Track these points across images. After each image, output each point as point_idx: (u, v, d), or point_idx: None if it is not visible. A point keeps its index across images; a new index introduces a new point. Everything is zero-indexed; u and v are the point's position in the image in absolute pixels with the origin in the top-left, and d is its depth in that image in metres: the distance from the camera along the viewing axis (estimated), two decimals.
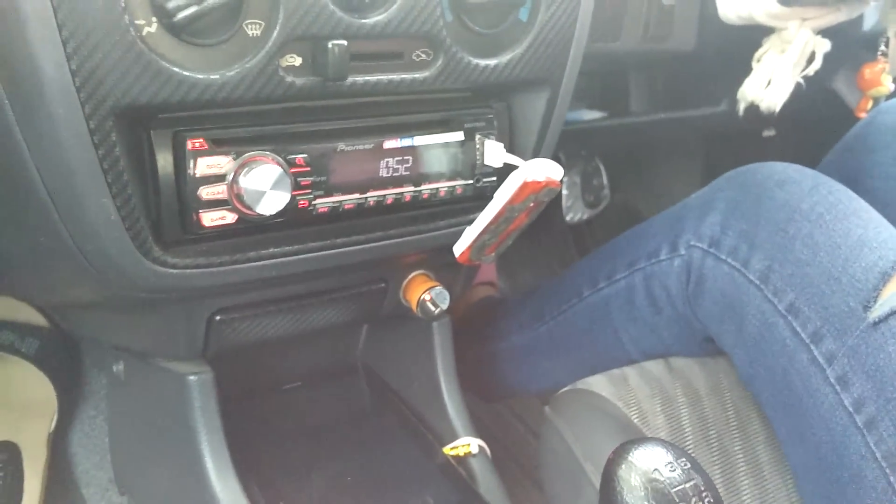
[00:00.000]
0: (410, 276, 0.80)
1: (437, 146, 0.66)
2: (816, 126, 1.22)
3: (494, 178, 0.69)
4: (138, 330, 0.75)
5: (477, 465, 0.82)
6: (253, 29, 0.54)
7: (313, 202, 0.61)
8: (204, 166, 0.55)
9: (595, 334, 0.91)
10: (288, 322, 0.76)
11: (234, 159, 0.56)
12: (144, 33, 0.50)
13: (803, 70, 0.82)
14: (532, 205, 0.65)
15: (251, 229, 0.60)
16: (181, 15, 0.50)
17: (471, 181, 0.69)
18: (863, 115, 1.01)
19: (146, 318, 0.71)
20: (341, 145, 0.61)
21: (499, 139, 0.68)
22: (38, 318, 1.02)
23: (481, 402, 1.20)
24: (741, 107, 0.86)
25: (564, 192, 1.42)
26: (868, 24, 0.99)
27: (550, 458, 0.82)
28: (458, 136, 0.67)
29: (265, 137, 0.58)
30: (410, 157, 0.65)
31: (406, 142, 0.64)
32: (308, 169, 0.59)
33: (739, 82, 0.85)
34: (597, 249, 0.95)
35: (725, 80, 0.92)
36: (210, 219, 0.57)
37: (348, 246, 0.65)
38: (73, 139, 0.50)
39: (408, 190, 0.65)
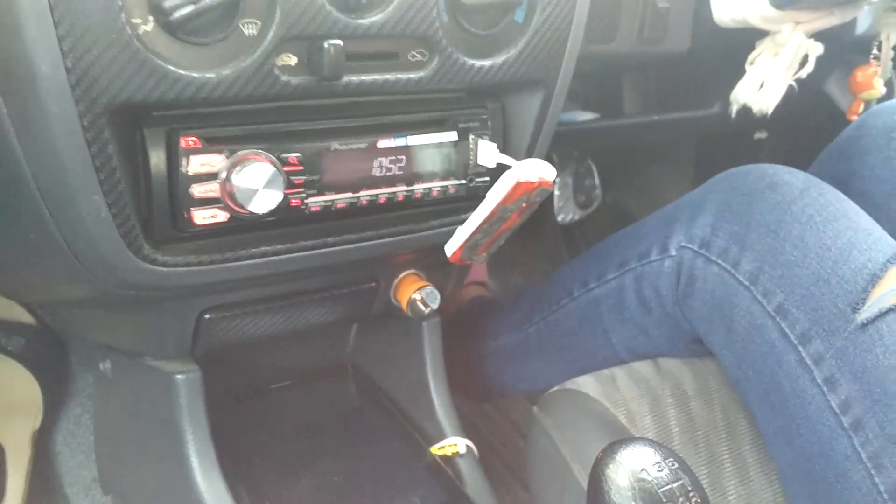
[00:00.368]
0: (401, 276, 0.80)
1: (430, 146, 0.66)
2: (808, 128, 1.23)
3: (487, 178, 0.69)
4: (126, 328, 0.74)
5: (464, 465, 0.82)
6: (249, 28, 0.54)
7: (306, 201, 0.60)
8: (197, 164, 0.55)
9: (585, 335, 0.91)
10: (277, 321, 0.76)
11: (227, 157, 0.56)
12: (140, 32, 0.50)
13: (796, 73, 0.82)
14: (524, 205, 0.65)
15: (243, 228, 0.60)
16: (177, 14, 0.49)
17: (464, 181, 0.69)
18: (854, 117, 1.02)
19: (135, 315, 0.71)
20: (335, 144, 0.61)
21: (492, 139, 0.68)
22: (24, 316, 1.02)
23: (470, 401, 1.20)
24: (734, 109, 0.86)
25: (556, 192, 1.43)
26: (861, 27, 1.00)
27: (538, 459, 0.82)
28: (452, 136, 0.67)
29: (258, 136, 0.58)
30: (404, 157, 0.65)
31: (400, 141, 0.64)
32: (301, 168, 0.59)
33: (733, 85, 0.86)
34: (588, 250, 0.95)
35: (719, 82, 0.93)
36: (202, 217, 0.57)
37: (340, 245, 0.65)
38: (65, 136, 0.50)
39: (401, 189, 0.65)
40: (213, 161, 0.56)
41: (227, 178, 0.56)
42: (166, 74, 0.51)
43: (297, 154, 0.59)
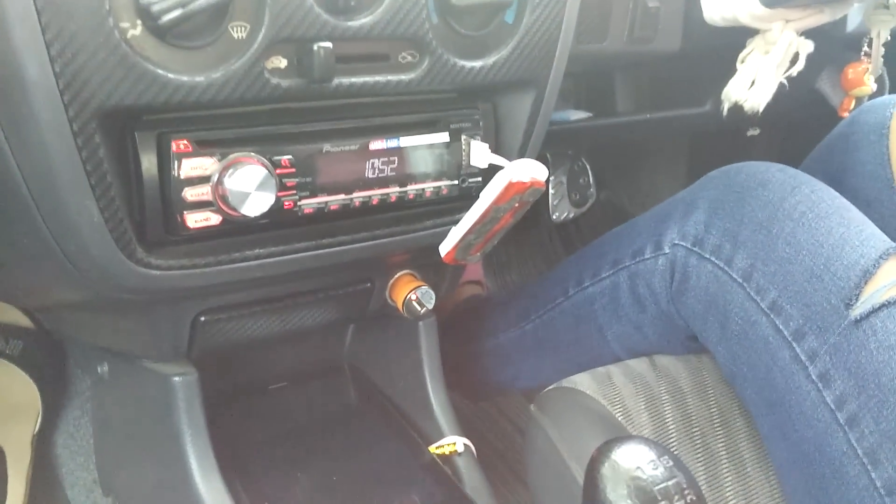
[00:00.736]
0: (396, 276, 0.81)
1: (422, 147, 0.66)
2: (800, 125, 1.23)
3: (480, 179, 0.69)
4: (122, 331, 0.74)
5: (462, 464, 0.83)
6: (238, 31, 0.54)
7: (298, 203, 0.61)
8: (188, 168, 0.55)
9: (580, 332, 0.91)
10: (273, 322, 0.76)
11: (219, 160, 0.56)
12: (129, 36, 0.50)
13: (787, 71, 0.82)
14: (517, 205, 0.65)
15: (236, 230, 0.60)
16: (166, 17, 0.49)
17: (456, 181, 0.69)
18: (846, 114, 1.02)
19: (130, 319, 0.71)
20: (327, 146, 0.61)
21: (484, 140, 0.69)
22: (22, 320, 1.02)
23: (467, 400, 1.21)
24: (725, 107, 0.86)
25: (551, 191, 1.43)
26: (851, 25, 1.00)
27: (536, 457, 0.82)
28: (444, 136, 0.67)
29: (250, 139, 0.58)
30: (396, 158, 0.65)
31: (392, 143, 0.64)
32: (293, 170, 0.59)
33: (724, 83, 0.86)
34: (582, 248, 0.95)
35: (710, 80, 0.93)
36: (194, 220, 0.57)
37: (334, 246, 0.66)
38: (56, 141, 0.50)
39: (393, 191, 0.66)
40: (204, 164, 0.56)
41: (220, 181, 0.56)
42: (155, 78, 0.51)
43: (289, 156, 0.59)
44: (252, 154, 0.57)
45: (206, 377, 0.75)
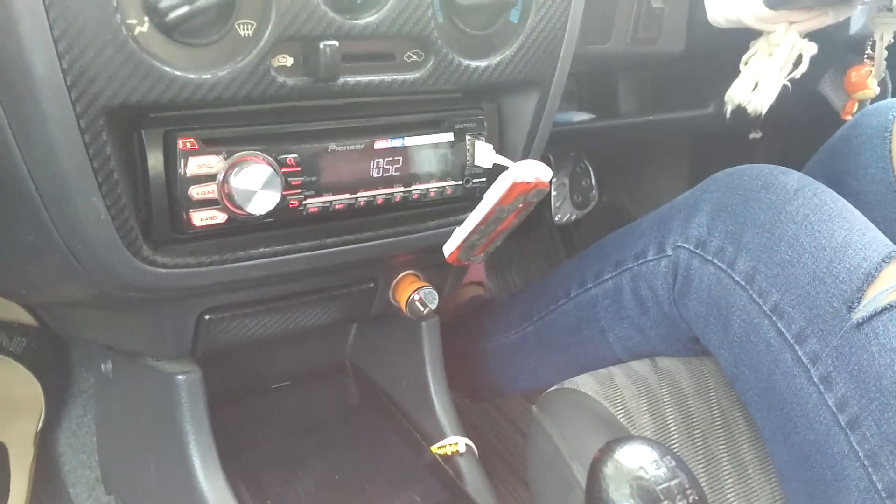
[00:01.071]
0: (400, 276, 0.81)
1: (427, 147, 0.66)
2: (803, 128, 1.23)
3: (484, 179, 0.69)
4: (127, 329, 0.75)
5: (464, 464, 0.83)
6: (245, 29, 0.54)
7: (304, 202, 0.61)
8: (194, 166, 0.56)
9: (582, 334, 0.91)
10: (277, 322, 0.76)
11: (225, 159, 0.56)
12: (136, 32, 0.50)
13: (790, 73, 0.83)
14: (521, 205, 0.65)
15: (241, 229, 0.60)
16: (173, 14, 0.50)
17: (461, 182, 0.69)
18: (848, 117, 1.02)
19: (135, 317, 0.71)
20: (332, 145, 0.61)
21: (489, 140, 0.69)
22: (25, 317, 1.02)
23: (469, 401, 1.21)
24: (728, 109, 0.86)
25: (553, 192, 1.43)
26: (854, 27, 1.00)
27: (537, 457, 0.82)
28: (449, 136, 0.67)
29: (256, 137, 0.58)
30: (401, 158, 0.65)
31: (397, 142, 0.64)
32: (298, 169, 0.60)
33: (727, 85, 0.86)
34: (585, 250, 0.95)
35: (713, 82, 0.93)
36: (200, 218, 0.57)
37: (338, 246, 0.66)
38: (63, 138, 0.50)
39: (398, 190, 0.66)
40: (210, 162, 0.56)
41: (225, 180, 0.56)
42: (162, 76, 0.51)
43: (295, 155, 0.59)
44: (258, 153, 0.57)
45: (209, 376, 0.75)
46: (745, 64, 0.85)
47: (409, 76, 0.62)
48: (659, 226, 0.82)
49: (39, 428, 0.99)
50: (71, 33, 0.48)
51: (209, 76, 0.53)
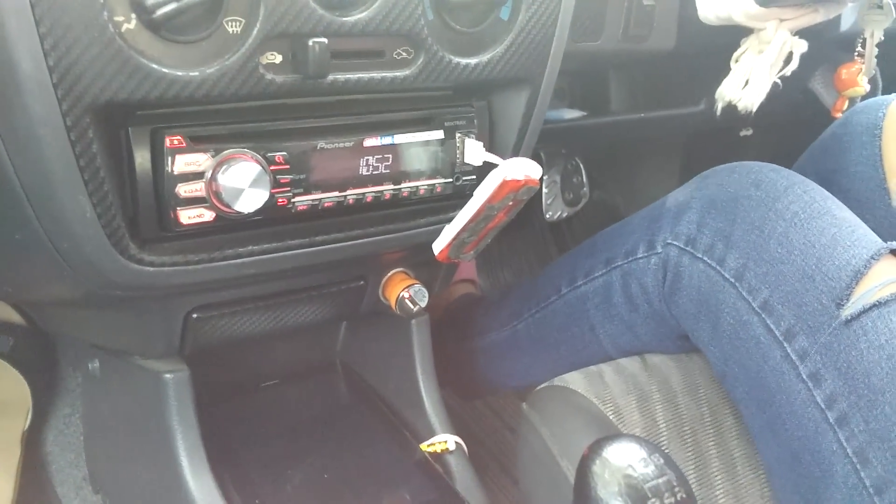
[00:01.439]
0: (389, 274, 0.80)
1: (417, 144, 0.66)
2: (794, 125, 1.24)
3: (474, 177, 0.69)
4: (114, 328, 0.74)
5: (454, 462, 0.83)
6: (233, 26, 0.54)
7: (292, 200, 0.60)
8: (182, 164, 0.55)
9: (573, 331, 0.91)
10: (266, 320, 0.76)
11: (213, 157, 0.56)
12: (123, 30, 0.50)
13: (780, 70, 0.82)
14: (511, 203, 0.65)
15: (229, 227, 0.60)
16: (160, 11, 0.49)
17: (450, 179, 0.69)
18: (839, 115, 1.02)
19: (122, 315, 0.71)
20: (321, 143, 0.61)
21: (479, 138, 0.69)
22: (13, 316, 1.01)
23: (460, 398, 1.21)
24: (719, 107, 0.86)
25: (544, 189, 1.43)
26: (845, 25, 1.00)
27: (527, 455, 0.82)
28: (439, 134, 0.67)
29: (244, 135, 0.58)
30: (391, 156, 0.65)
31: (386, 140, 0.64)
32: (287, 167, 0.59)
33: (718, 82, 0.86)
34: (575, 247, 0.95)
35: (704, 79, 0.93)
36: (188, 216, 0.57)
37: (327, 244, 0.65)
38: (49, 136, 0.50)
39: (387, 188, 0.65)
40: (198, 160, 0.56)
41: (213, 178, 0.56)
42: (150, 73, 0.51)
43: (284, 153, 0.59)
44: (246, 150, 0.57)
45: (198, 374, 0.75)
46: (736, 61, 0.84)
47: (398, 73, 0.62)
48: (649, 223, 0.82)
49: (27, 427, 0.99)
50: (57, 31, 0.47)
51: (197, 73, 0.53)
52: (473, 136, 0.68)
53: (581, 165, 1.42)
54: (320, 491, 0.78)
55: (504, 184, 0.62)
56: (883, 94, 1.14)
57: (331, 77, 0.58)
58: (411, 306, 0.79)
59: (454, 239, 0.67)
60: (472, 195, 0.65)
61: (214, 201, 0.56)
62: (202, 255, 0.60)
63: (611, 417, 0.77)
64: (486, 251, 0.72)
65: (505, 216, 0.67)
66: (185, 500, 0.72)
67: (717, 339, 0.75)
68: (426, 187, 0.68)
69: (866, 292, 0.65)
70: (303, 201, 0.61)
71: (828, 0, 0.80)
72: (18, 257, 0.62)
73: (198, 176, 0.56)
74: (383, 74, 0.61)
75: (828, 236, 0.69)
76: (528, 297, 0.99)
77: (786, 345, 0.68)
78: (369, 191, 0.65)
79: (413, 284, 0.79)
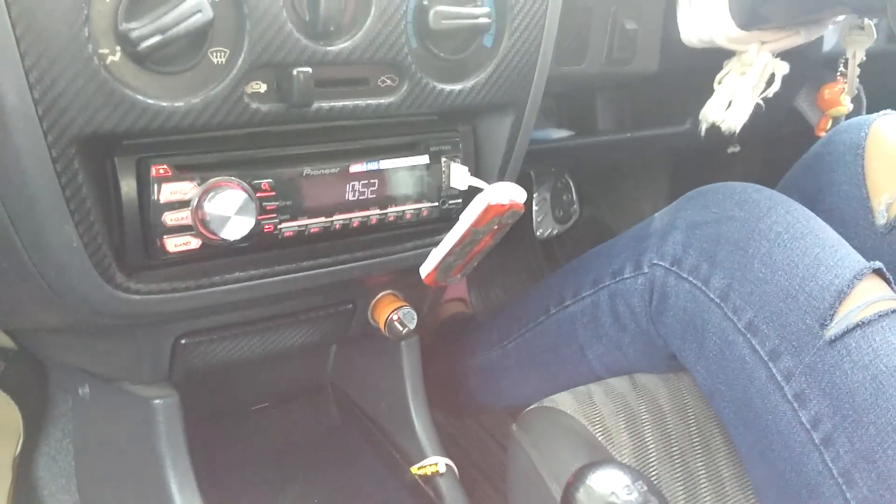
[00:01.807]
0: (378, 296, 0.81)
1: (403, 169, 0.66)
2: (781, 142, 1.24)
3: (460, 201, 0.70)
4: (103, 354, 0.74)
5: (444, 485, 0.83)
6: (218, 56, 0.54)
7: (279, 226, 0.61)
8: (168, 192, 0.56)
9: (562, 351, 0.92)
10: (255, 344, 0.76)
11: (199, 185, 0.56)
12: (108, 62, 0.50)
13: (763, 92, 0.84)
14: (496, 227, 0.66)
15: (216, 254, 0.60)
16: (145, 44, 0.50)
17: (436, 203, 0.69)
18: (822, 134, 1.03)
19: (111, 342, 0.71)
20: (307, 170, 0.61)
21: (464, 162, 0.69)
22: (3, 341, 1.01)
23: (452, 417, 1.21)
24: (703, 127, 0.87)
25: (535, 207, 1.43)
26: (828, 45, 1.02)
27: (517, 477, 0.82)
28: (424, 159, 0.67)
29: (230, 163, 0.58)
30: (377, 181, 0.65)
31: (372, 165, 0.65)
32: (273, 193, 0.60)
33: (702, 102, 0.87)
34: (564, 267, 0.96)
35: (689, 100, 0.94)
36: (174, 244, 0.57)
37: (315, 269, 0.66)
38: (35, 167, 0.50)
39: (374, 213, 0.66)
40: (184, 189, 0.56)
41: (199, 206, 0.56)
42: (135, 104, 0.51)
43: (269, 180, 0.59)
44: (232, 178, 0.57)
45: (188, 398, 0.75)
46: (719, 83, 0.86)
47: (383, 101, 0.62)
48: (635, 243, 0.83)
49: (18, 452, 0.98)
50: (42, 63, 0.48)
51: (182, 104, 0.53)
52: (459, 160, 0.69)
53: (571, 183, 1.43)
54: None
55: (489, 208, 0.63)
56: (867, 112, 1.15)
57: (316, 105, 0.59)
58: (400, 328, 0.79)
59: (441, 262, 0.67)
60: (458, 219, 0.65)
61: (201, 229, 0.57)
62: (189, 282, 0.60)
63: (600, 439, 0.78)
64: (477, 269, 0.73)
65: (491, 239, 0.68)
66: None
67: (704, 358, 0.75)
68: (412, 212, 0.68)
69: (849, 312, 0.66)
70: (289, 227, 0.62)
71: (809, 22, 0.81)
72: (5, 285, 0.62)
73: (184, 204, 0.56)
74: (368, 102, 0.61)
75: (811, 256, 0.70)
76: (518, 317, 0.99)
77: (771, 365, 0.69)
78: (356, 216, 0.65)
79: (402, 307, 0.79)
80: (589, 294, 0.87)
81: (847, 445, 0.64)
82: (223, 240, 0.57)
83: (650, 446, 0.78)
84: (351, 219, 0.65)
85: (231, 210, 0.56)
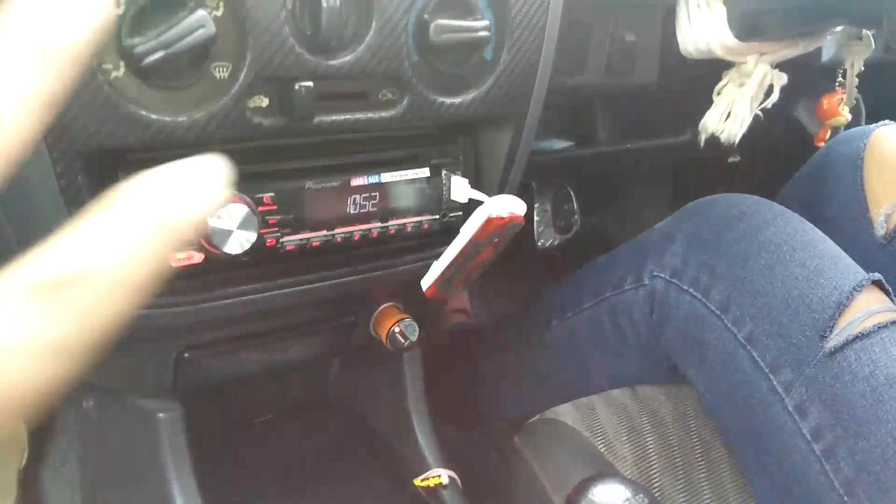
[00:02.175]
0: (380, 309, 0.81)
1: (404, 182, 0.67)
2: (781, 152, 1.25)
3: (461, 213, 0.70)
4: (107, 367, 0.74)
5: (447, 497, 0.83)
6: (220, 71, 0.55)
7: (281, 240, 0.61)
8: None
9: (563, 362, 0.92)
10: (258, 357, 0.76)
11: None
12: (112, 77, 0.50)
13: (761, 103, 0.84)
14: (496, 240, 0.66)
15: (219, 268, 0.60)
16: (149, 59, 0.50)
17: (437, 216, 0.70)
18: (821, 144, 1.04)
19: (114, 356, 0.71)
20: (309, 184, 0.62)
21: (464, 174, 0.70)
22: None
23: (453, 429, 1.21)
24: (702, 138, 0.88)
25: (536, 218, 1.44)
26: (826, 55, 1.02)
27: (520, 489, 0.82)
28: (425, 172, 0.68)
29: (232, 177, 0.58)
30: (378, 194, 0.66)
31: (373, 179, 0.65)
32: (275, 207, 0.60)
33: (702, 113, 0.87)
34: (565, 279, 0.96)
35: (688, 111, 0.94)
36: (177, 259, 0.57)
37: (316, 282, 0.66)
38: (39, 184, 0.50)
39: (375, 226, 0.66)
40: None
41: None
42: (138, 119, 0.52)
43: (271, 194, 0.60)
44: (234, 192, 0.58)
45: (191, 411, 0.75)
46: (718, 94, 0.86)
47: (384, 114, 0.63)
48: (636, 255, 0.83)
49: (23, 465, 0.99)
50: None
51: (185, 118, 0.54)
52: (459, 173, 0.69)
53: (572, 193, 1.43)
54: None
55: (489, 221, 0.63)
56: (866, 123, 1.16)
57: (317, 119, 0.59)
58: (402, 341, 0.79)
59: (442, 275, 0.68)
60: (459, 231, 0.65)
61: (203, 243, 0.57)
62: (191, 296, 0.61)
63: (602, 450, 0.78)
64: (479, 280, 0.73)
65: (492, 252, 0.68)
66: None
67: (705, 370, 0.75)
68: (413, 224, 0.69)
69: (849, 324, 0.66)
70: (291, 241, 0.62)
71: (806, 34, 0.82)
72: None
73: None
74: (369, 115, 0.62)
75: (810, 268, 0.70)
76: (519, 329, 0.99)
77: (771, 377, 0.69)
78: (357, 229, 0.65)
79: (404, 319, 0.80)
80: (590, 306, 0.87)
81: (848, 457, 0.64)
82: (226, 254, 0.57)
83: (652, 457, 0.78)
84: (352, 232, 0.65)
85: (233, 224, 0.56)
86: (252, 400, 0.93)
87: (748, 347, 0.71)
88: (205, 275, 0.61)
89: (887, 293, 0.70)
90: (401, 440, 0.88)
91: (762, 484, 0.72)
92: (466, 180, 0.69)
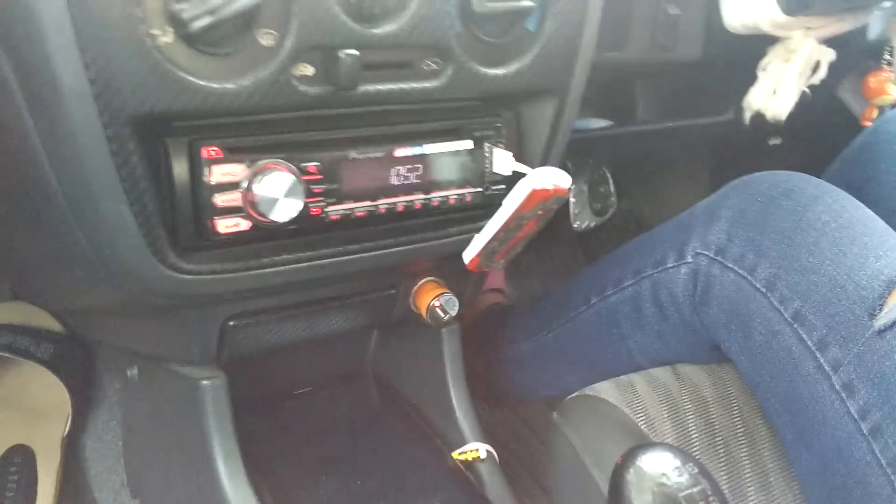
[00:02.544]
0: (420, 283, 0.81)
1: (446, 154, 0.67)
2: (823, 134, 1.23)
3: (503, 186, 0.70)
4: (152, 335, 0.76)
5: (485, 470, 0.83)
6: (266, 39, 0.55)
7: (325, 209, 0.61)
8: (219, 174, 0.56)
9: (602, 341, 0.91)
10: (300, 328, 0.77)
11: (248, 167, 0.57)
12: (160, 43, 0.51)
13: (808, 79, 0.83)
14: (540, 212, 0.66)
15: (265, 236, 0.61)
16: (196, 25, 0.50)
17: (480, 189, 0.69)
18: (868, 123, 1.02)
19: (161, 323, 0.73)
20: (353, 153, 0.62)
21: (507, 147, 0.69)
22: (53, 324, 1.04)
23: (489, 407, 1.21)
24: (747, 115, 0.86)
25: (572, 199, 1.43)
26: (873, 33, 0.99)
27: (558, 465, 0.82)
28: (468, 144, 0.67)
29: (278, 145, 0.59)
30: (421, 166, 0.66)
31: (416, 150, 0.65)
32: (320, 177, 0.60)
33: (745, 91, 0.86)
34: (604, 257, 0.95)
35: (732, 88, 0.93)
36: (225, 226, 0.58)
37: (359, 253, 0.66)
38: (90, 147, 0.51)
39: (418, 198, 0.66)
40: (234, 171, 0.57)
41: (249, 188, 0.57)
42: (186, 85, 0.52)
43: (316, 163, 0.60)
44: (280, 161, 0.58)
45: (234, 381, 0.76)
46: (763, 70, 0.85)
47: (427, 84, 0.63)
48: (678, 233, 0.82)
49: (66, 433, 1.01)
50: (97, 44, 0.49)
51: (232, 85, 0.54)
52: (502, 145, 0.69)
53: (608, 175, 1.42)
54: (353, 498, 0.79)
55: (533, 193, 0.63)
56: None
57: (361, 88, 0.59)
58: (442, 315, 0.80)
59: (484, 248, 0.68)
60: (501, 204, 0.65)
61: (250, 211, 0.58)
62: (238, 263, 0.61)
63: (642, 427, 0.77)
64: (515, 261, 0.73)
65: (535, 225, 0.68)
66: None
67: (749, 349, 0.74)
68: (456, 197, 0.68)
69: None
70: (335, 211, 0.62)
71: (854, 9, 0.80)
72: (61, 266, 0.64)
73: (234, 186, 0.57)
74: (413, 85, 0.62)
75: (859, 246, 0.69)
76: (557, 308, 0.99)
77: (818, 355, 0.68)
78: (400, 200, 0.66)
79: (444, 293, 0.80)
80: (631, 284, 0.86)
81: None
82: (272, 222, 0.58)
83: (693, 435, 0.77)
84: (395, 203, 0.65)
85: (280, 192, 0.57)
86: (292, 371, 0.94)
87: (794, 325, 0.70)
88: (251, 242, 0.61)
89: None
90: (439, 414, 0.89)
91: (805, 462, 0.71)
92: (510, 153, 0.68)
